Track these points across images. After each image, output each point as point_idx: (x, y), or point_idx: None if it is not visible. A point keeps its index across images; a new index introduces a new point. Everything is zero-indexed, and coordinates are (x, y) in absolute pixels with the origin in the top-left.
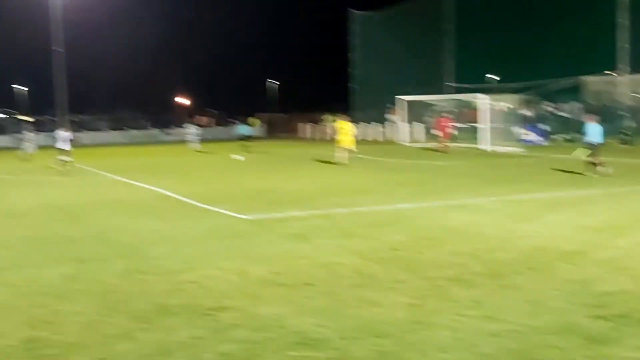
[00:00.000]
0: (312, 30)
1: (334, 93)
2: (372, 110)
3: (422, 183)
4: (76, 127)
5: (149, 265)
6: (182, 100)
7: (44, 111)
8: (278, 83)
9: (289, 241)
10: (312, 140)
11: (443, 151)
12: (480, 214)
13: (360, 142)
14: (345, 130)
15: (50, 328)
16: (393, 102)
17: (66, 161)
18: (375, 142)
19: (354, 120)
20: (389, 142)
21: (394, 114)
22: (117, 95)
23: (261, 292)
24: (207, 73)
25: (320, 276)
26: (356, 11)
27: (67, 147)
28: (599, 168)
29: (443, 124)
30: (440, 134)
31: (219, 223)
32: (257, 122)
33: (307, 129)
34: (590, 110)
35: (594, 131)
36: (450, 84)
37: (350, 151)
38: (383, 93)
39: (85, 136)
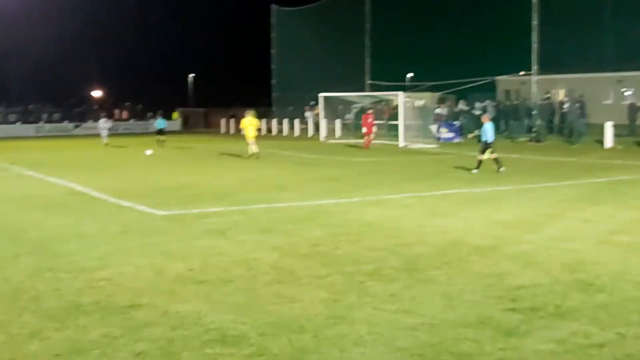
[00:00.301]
0: (235, 25)
1: (255, 88)
2: (293, 106)
3: (340, 179)
4: None
5: (61, 263)
6: (97, 93)
7: None
8: (194, 76)
9: (207, 237)
10: (232, 135)
11: (365, 147)
12: (397, 209)
13: (280, 137)
14: (250, 125)
15: None
16: (313, 99)
17: None
18: (294, 138)
19: (274, 116)
20: (308, 139)
21: (312, 110)
22: (29, 87)
23: (178, 289)
24: (125, 65)
25: (239, 272)
26: (278, 6)
27: None
28: (473, 171)
29: (369, 120)
30: (366, 130)
31: (134, 219)
32: (176, 115)
33: (226, 124)
34: (496, 109)
35: (487, 129)
36: (370, 81)
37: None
38: (304, 89)
39: None
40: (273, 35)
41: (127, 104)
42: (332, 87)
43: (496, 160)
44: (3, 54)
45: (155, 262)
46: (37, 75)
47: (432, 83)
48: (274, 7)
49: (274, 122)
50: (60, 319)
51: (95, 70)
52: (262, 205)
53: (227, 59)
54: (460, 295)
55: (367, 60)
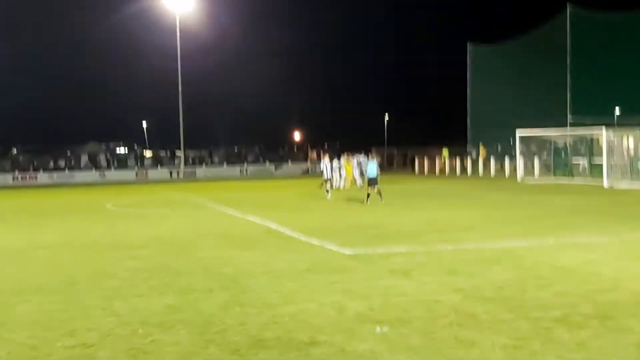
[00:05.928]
0: (429, 64)
1: (451, 127)
2: (488, 144)
3: (534, 220)
4: (194, 162)
5: (250, 298)
6: (296, 136)
7: (162, 146)
8: (387, 118)
9: (391, 277)
10: (427, 176)
11: None
12: (594, 252)
13: (475, 177)
14: (348, 165)
15: (147, 358)
16: (508, 137)
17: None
18: (490, 178)
19: (469, 155)
20: (504, 179)
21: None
22: (234, 131)
23: (356, 328)
24: (321, 108)
25: (418, 314)
26: (473, 44)
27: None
28: None
29: None
30: None
31: (321, 257)
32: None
33: (420, 163)
34: None
35: None
36: (571, 118)
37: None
38: (499, 127)
39: (200, 170)
40: (469, 73)
41: (326, 145)
42: (528, 125)
43: None
44: (211, 100)
45: (337, 300)
46: (242, 118)
47: None
48: (470, 45)
49: (469, 161)
50: (242, 353)
51: (295, 114)
52: (449, 246)
53: (422, 98)
54: None
55: (568, 96)
